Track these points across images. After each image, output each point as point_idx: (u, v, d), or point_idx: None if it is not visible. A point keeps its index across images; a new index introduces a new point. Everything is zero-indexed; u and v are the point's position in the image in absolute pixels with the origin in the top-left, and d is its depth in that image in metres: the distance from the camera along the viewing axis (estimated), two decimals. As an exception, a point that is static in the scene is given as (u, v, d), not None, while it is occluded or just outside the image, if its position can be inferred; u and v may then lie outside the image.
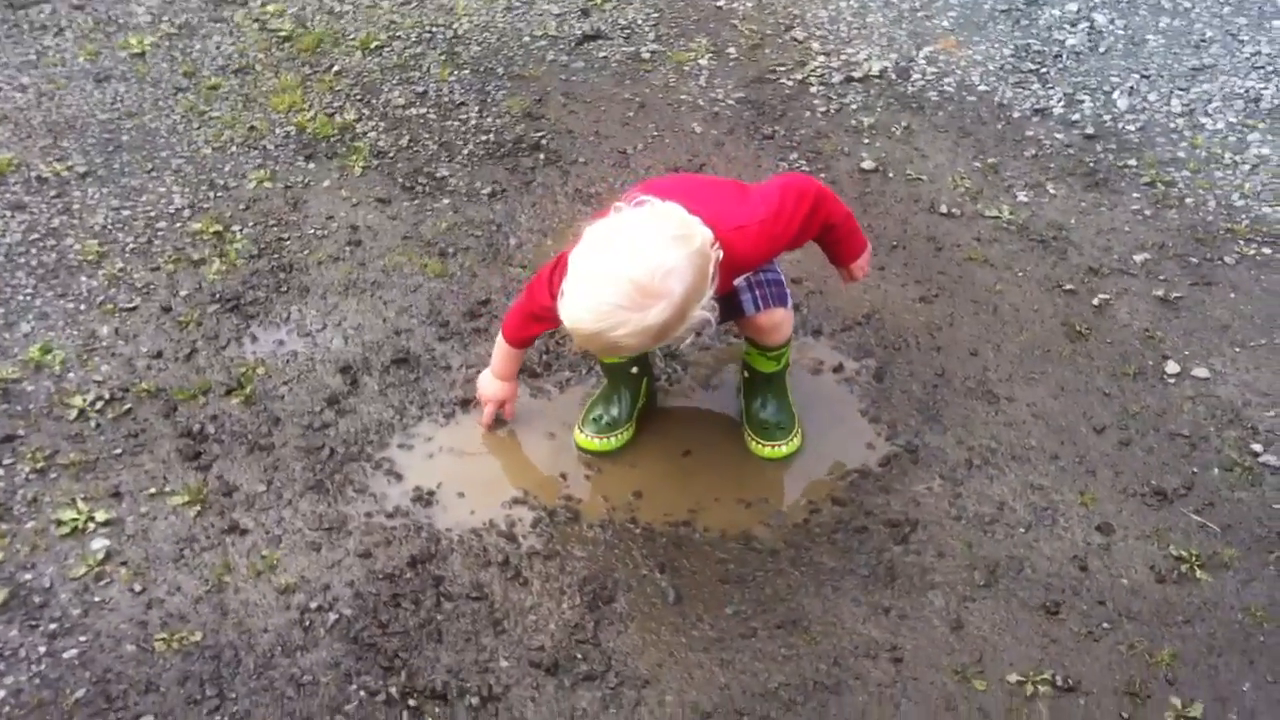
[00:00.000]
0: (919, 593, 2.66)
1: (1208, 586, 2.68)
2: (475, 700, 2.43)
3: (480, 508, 2.83)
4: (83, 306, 3.29)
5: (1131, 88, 4.32)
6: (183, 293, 3.34)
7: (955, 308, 3.39)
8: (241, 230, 3.57)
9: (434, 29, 4.54)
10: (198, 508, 2.78)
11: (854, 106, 4.22)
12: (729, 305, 2.73)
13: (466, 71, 4.32)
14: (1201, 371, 3.20)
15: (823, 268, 3.13)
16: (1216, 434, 3.04)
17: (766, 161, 3.92)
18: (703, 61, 4.43)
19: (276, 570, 2.66)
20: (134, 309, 3.29)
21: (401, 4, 4.67)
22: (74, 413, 2.98)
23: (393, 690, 2.44)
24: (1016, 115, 4.20)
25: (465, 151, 3.94)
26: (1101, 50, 4.54)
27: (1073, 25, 4.67)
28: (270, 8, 4.62)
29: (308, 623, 2.55)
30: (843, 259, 2.86)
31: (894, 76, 4.38)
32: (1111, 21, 4.69)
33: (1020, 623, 2.60)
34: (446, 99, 4.18)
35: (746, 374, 3.00)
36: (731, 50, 4.49)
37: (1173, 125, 4.15)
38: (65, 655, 2.48)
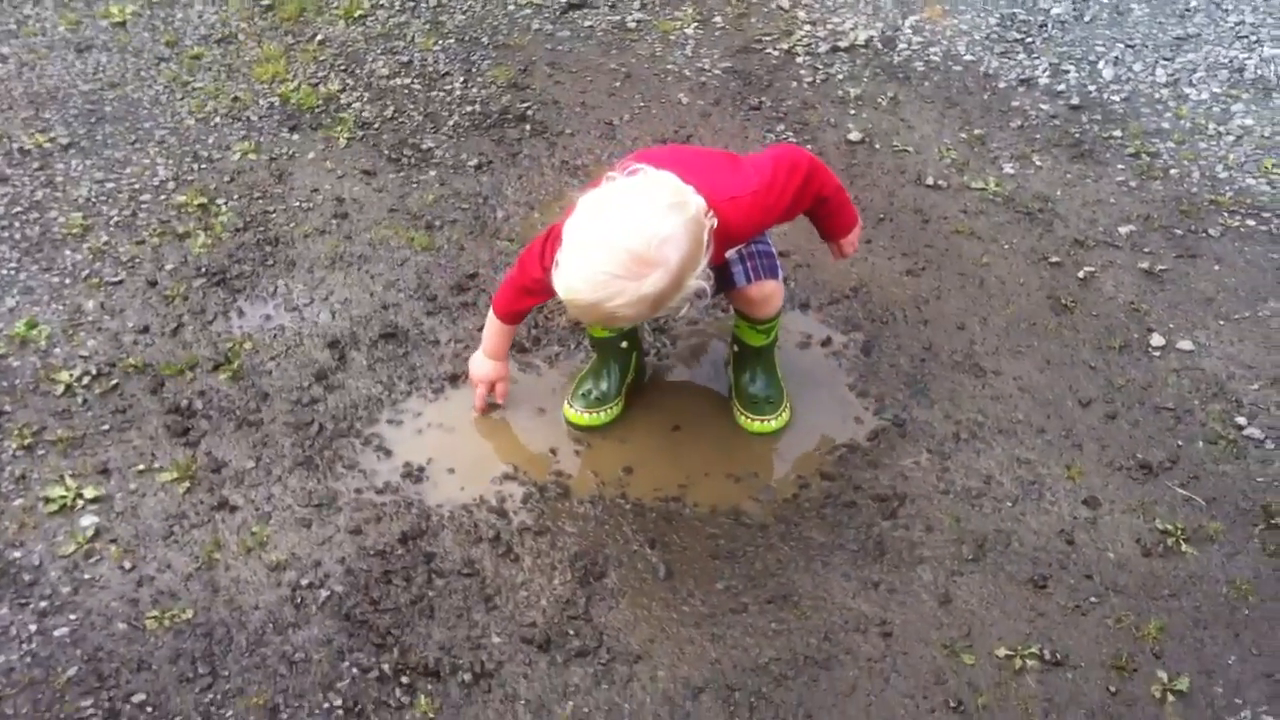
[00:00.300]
0: (908, 567, 2.68)
1: (1193, 560, 2.71)
2: (468, 677, 2.44)
3: (470, 483, 2.83)
4: (68, 280, 3.26)
5: (1116, 57, 4.32)
6: (168, 266, 3.32)
7: (942, 281, 3.40)
8: (226, 203, 3.55)
9: (417, -3, 4.51)
10: (187, 484, 2.77)
11: (840, 76, 4.21)
12: (720, 277, 2.73)
13: (451, 40, 4.29)
14: (1186, 344, 3.22)
15: (810, 240, 3.13)
16: (1201, 407, 3.06)
17: (754, 133, 3.91)
18: (689, 30, 4.40)
19: (267, 547, 2.66)
20: (119, 283, 3.27)
21: (384, -29, 4.64)
22: (61, 388, 2.96)
23: (385, 667, 2.45)
24: (1002, 85, 4.19)
25: (451, 123, 3.92)
26: (1087, 19, 4.53)
27: (1058, -6, 4.67)
28: (251, -25, 4.58)
29: (299, 600, 2.56)
30: (833, 233, 2.86)
31: (880, 46, 4.36)
32: (1097, -10, 4.69)
33: (1008, 596, 2.63)
34: (431, 69, 4.15)
35: (736, 348, 3.00)
36: (717, 19, 4.47)
37: (1157, 95, 4.15)
38: (56, 633, 2.48)
